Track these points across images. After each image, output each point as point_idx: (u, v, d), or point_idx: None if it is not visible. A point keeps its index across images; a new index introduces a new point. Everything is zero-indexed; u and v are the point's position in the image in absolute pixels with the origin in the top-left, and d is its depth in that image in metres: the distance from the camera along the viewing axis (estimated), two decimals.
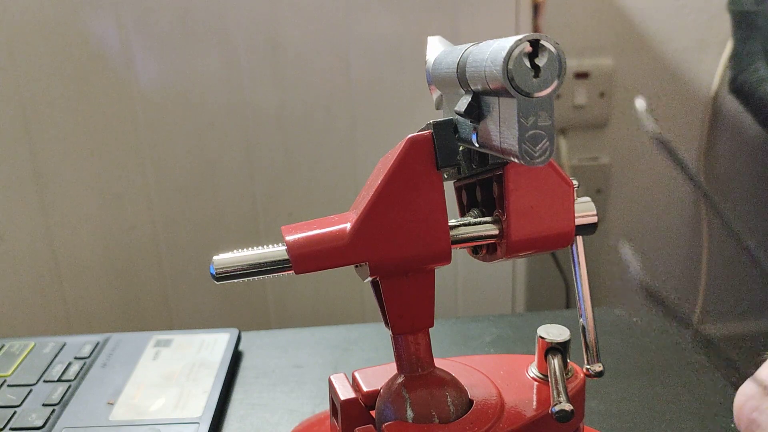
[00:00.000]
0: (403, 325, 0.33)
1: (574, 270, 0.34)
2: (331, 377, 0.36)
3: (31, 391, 0.48)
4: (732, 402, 0.37)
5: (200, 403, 0.46)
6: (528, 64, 0.23)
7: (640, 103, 0.20)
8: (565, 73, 0.23)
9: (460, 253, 0.35)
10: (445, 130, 0.30)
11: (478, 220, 0.32)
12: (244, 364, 0.54)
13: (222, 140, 0.86)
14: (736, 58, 1.10)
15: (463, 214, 0.35)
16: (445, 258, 0.31)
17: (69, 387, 0.48)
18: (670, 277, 1.37)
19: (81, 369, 0.50)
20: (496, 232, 0.31)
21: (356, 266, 0.32)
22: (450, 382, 0.34)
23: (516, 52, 0.23)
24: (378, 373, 0.36)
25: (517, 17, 0.84)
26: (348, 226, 0.30)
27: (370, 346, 0.55)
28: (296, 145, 0.87)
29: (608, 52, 1.21)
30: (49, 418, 0.45)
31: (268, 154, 0.87)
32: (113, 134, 0.84)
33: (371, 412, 0.35)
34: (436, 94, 0.33)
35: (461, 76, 0.27)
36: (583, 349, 0.34)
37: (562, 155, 1.24)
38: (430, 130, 0.30)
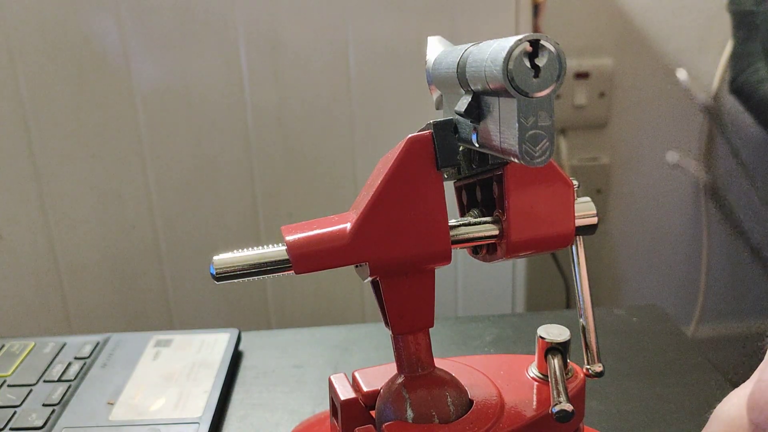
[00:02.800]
0: (403, 325, 0.33)
1: (574, 270, 0.34)
2: (331, 377, 0.36)
3: (31, 391, 0.48)
4: None
5: (200, 403, 0.46)
6: (528, 64, 0.23)
7: (682, 73, 0.20)
8: (565, 73, 0.23)
9: (460, 253, 0.35)
10: (445, 130, 0.30)
11: (478, 220, 0.32)
12: (244, 364, 0.54)
13: (222, 140, 0.86)
14: (736, 58, 1.10)
15: (463, 214, 0.35)
16: (445, 258, 0.31)
17: (69, 387, 0.48)
18: (670, 277, 1.37)
19: (81, 369, 0.50)
20: (496, 232, 0.31)
21: (356, 266, 0.32)
22: (450, 382, 0.34)
23: (516, 52, 0.23)
24: (378, 373, 0.36)
25: (517, 17, 0.84)
26: (348, 226, 0.30)
27: (370, 346, 0.55)
28: (296, 145, 0.87)
29: (608, 52, 1.21)
30: (49, 418, 0.45)
31: (268, 154, 0.87)
32: (113, 134, 0.84)
33: (371, 412, 0.35)
34: (436, 94, 0.33)
35: (461, 76, 0.27)
36: (583, 349, 0.34)
37: (562, 155, 1.24)
38: (430, 130, 0.30)
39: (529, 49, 0.23)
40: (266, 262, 0.30)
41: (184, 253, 0.89)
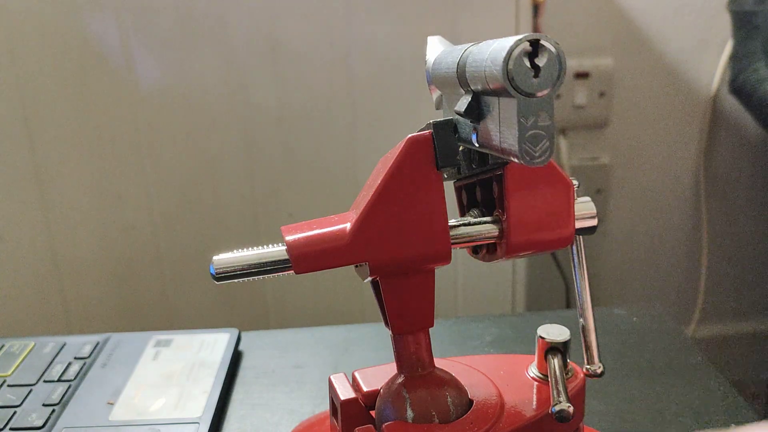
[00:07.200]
0: (403, 325, 0.33)
1: (574, 270, 0.34)
2: (331, 377, 0.36)
3: (31, 391, 0.48)
4: (732, 401, 0.37)
5: (200, 403, 0.46)
6: (528, 64, 0.23)
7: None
8: (565, 73, 0.23)
9: (460, 253, 0.35)
10: (445, 130, 0.30)
11: (478, 220, 0.32)
12: (244, 364, 0.54)
13: (222, 140, 0.86)
14: (736, 58, 1.10)
15: (463, 214, 0.35)
16: (445, 258, 0.31)
17: (69, 387, 0.48)
18: (670, 277, 1.37)
19: (81, 369, 0.50)
20: (496, 232, 0.31)
21: (356, 266, 0.32)
22: (450, 382, 0.34)
23: (516, 52, 0.23)
24: (378, 373, 0.36)
25: (517, 17, 0.84)
26: (348, 226, 0.30)
27: (370, 346, 0.55)
28: (296, 145, 0.87)
29: (608, 52, 1.21)
30: (49, 418, 0.45)
31: (268, 154, 0.87)
32: (113, 134, 0.84)
33: (371, 412, 0.35)
34: (436, 94, 0.33)
35: (461, 76, 0.27)
36: (583, 349, 0.34)
37: (562, 155, 1.24)
38: (430, 130, 0.30)
39: (529, 49, 0.23)
40: (266, 262, 0.30)
41: (184, 253, 0.89)
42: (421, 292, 0.32)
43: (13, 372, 0.50)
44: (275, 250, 0.30)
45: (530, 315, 0.60)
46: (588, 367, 0.33)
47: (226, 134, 0.86)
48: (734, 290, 1.39)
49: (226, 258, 0.30)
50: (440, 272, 0.32)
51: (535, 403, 0.34)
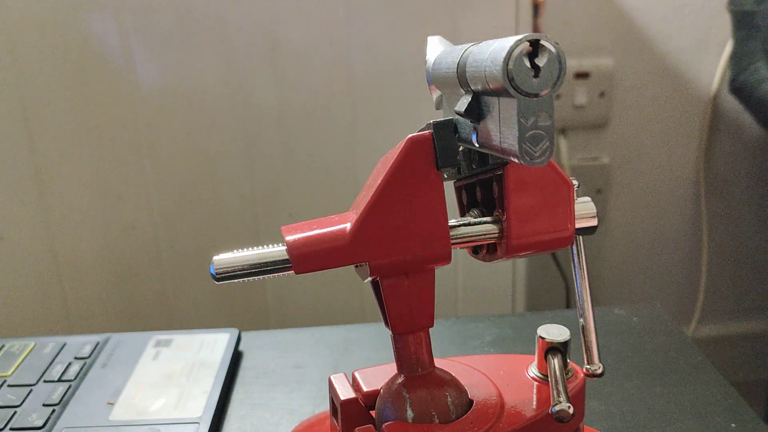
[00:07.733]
0: (403, 325, 0.33)
1: (574, 270, 0.34)
2: (331, 377, 0.36)
3: (31, 391, 0.48)
4: (732, 401, 0.37)
5: (200, 403, 0.46)
6: (528, 64, 0.23)
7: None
8: (565, 73, 0.23)
9: (460, 253, 0.35)
10: (445, 130, 0.30)
11: (478, 220, 0.32)
12: (244, 364, 0.54)
13: (222, 140, 0.86)
14: (736, 58, 1.10)
15: (463, 214, 0.35)
16: (445, 258, 0.31)
17: (69, 387, 0.48)
18: (670, 277, 1.37)
19: (81, 369, 0.50)
20: (496, 232, 0.31)
21: (356, 266, 0.32)
22: (450, 382, 0.34)
23: (516, 52, 0.23)
24: (378, 373, 0.36)
25: (517, 17, 0.84)
26: (348, 226, 0.30)
27: (370, 346, 0.55)
28: (296, 145, 0.87)
29: (608, 52, 1.21)
30: (49, 418, 0.45)
31: (268, 154, 0.87)
32: (113, 134, 0.84)
33: (371, 412, 0.35)
34: (436, 94, 0.33)
35: (461, 76, 0.27)
36: (583, 349, 0.34)
37: (562, 155, 1.24)
38: (430, 130, 0.30)
39: (529, 49, 0.23)
40: (266, 262, 0.30)
41: (184, 253, 0.89)
42: (421, 292, 0.32)
43: (13, 372, 0.50)
44: (275, 250, 0.30)
45: (530, 315, 0.60)
46: (588, 367, 0.33)
47: (226, 134, 0.86)
48: (734, 290, 1.39)
49: (226, 258, 0.30)
50: (440, 272, 0.32)
51: (535, 403, 0.34)
